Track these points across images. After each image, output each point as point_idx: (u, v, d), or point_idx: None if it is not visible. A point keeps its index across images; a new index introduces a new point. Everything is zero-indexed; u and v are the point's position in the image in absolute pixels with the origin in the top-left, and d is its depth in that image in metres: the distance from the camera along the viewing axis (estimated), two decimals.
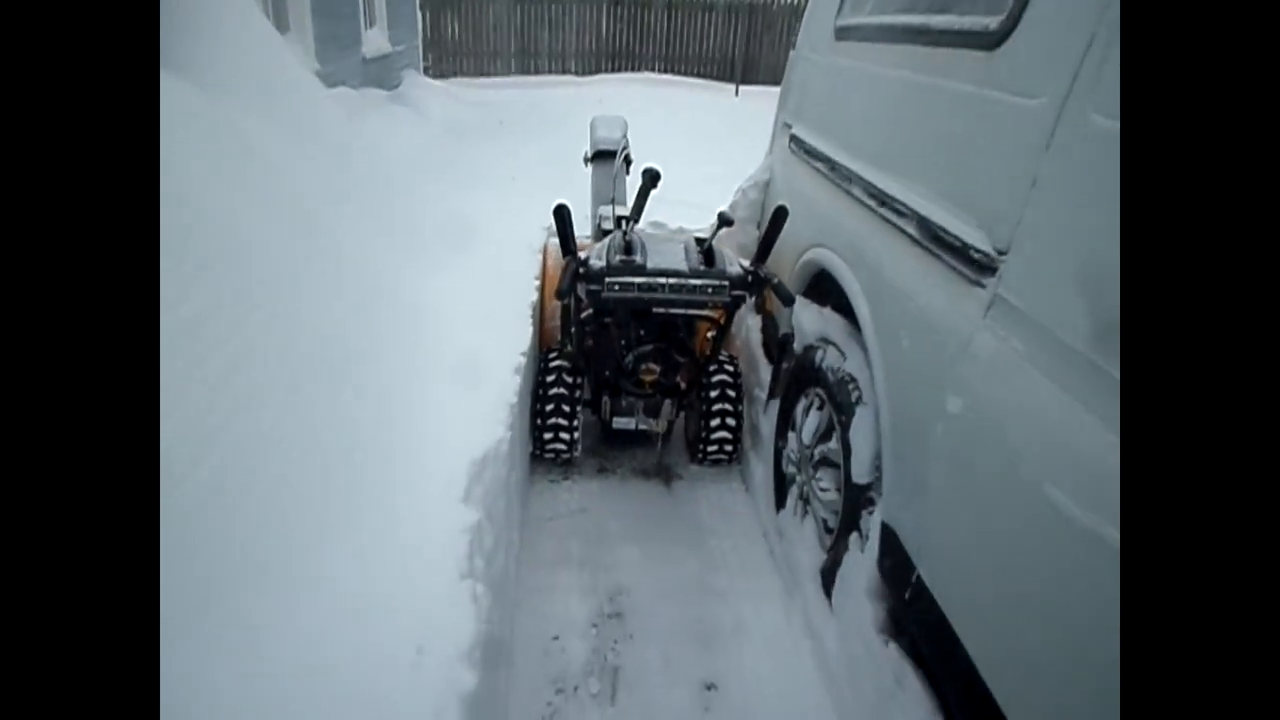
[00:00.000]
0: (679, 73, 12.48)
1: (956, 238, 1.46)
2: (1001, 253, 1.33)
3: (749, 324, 3.16)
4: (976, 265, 1.39)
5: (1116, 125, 1.10)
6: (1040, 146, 1.25)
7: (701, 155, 6.48)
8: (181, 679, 1.11)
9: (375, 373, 2.01)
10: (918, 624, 1.61)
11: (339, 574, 1.43)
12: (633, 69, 12.60)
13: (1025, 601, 1.24)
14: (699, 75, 12.43)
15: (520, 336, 2.58)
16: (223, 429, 1.37)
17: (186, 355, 1.37)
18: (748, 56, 12.32)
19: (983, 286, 1.37)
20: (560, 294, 2.10)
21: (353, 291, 2.16)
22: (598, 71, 12.54)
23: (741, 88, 10.92)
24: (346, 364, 1.89)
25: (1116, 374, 1.05)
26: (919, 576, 1.59)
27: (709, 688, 2.04)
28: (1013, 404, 1.28)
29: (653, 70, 12.53)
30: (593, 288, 2.19)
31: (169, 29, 2.25)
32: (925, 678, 1.62)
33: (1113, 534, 1.03)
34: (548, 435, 2.74)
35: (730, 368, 2.85)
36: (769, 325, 2.99)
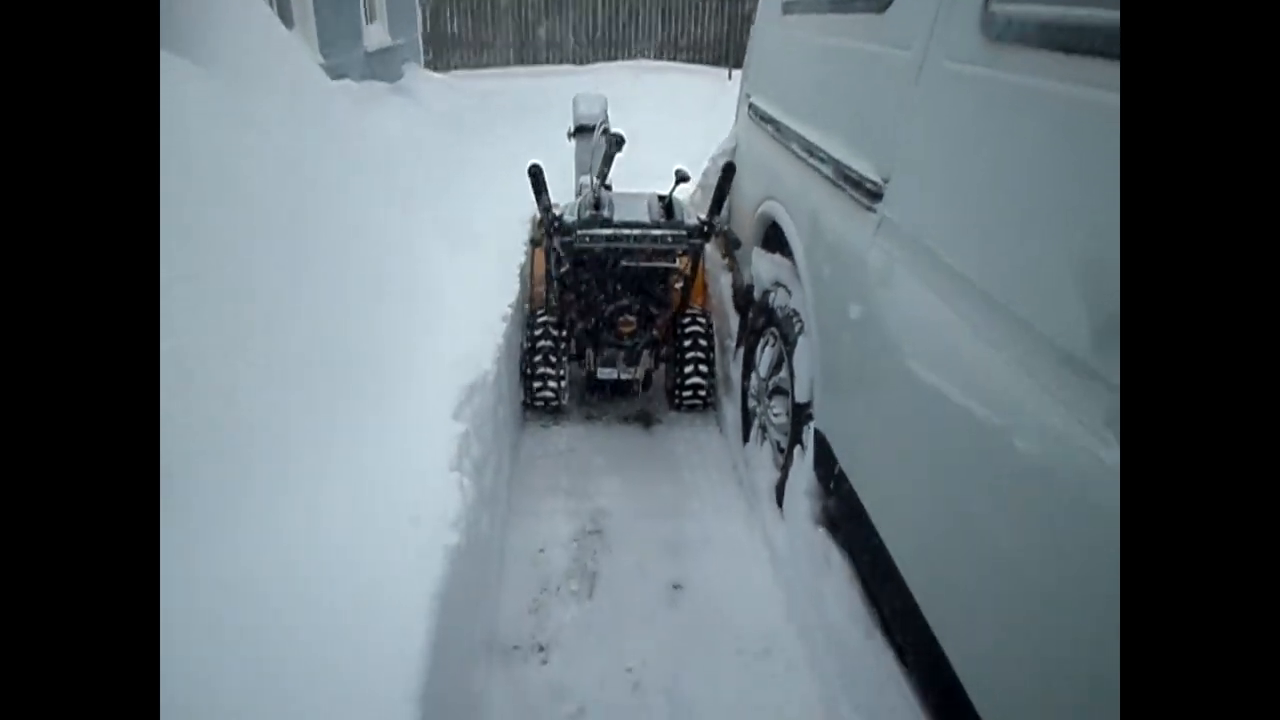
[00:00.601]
0: (674, 59, 12.70)
1: (856, 172, 1.73)
2: (885, 180, 1.60)
3: (721, 281, 3.44)
4: (869, 193, 1.66)
5: (959, 67, 1.37)
6: (911, 88, 1.52)
7: (692, 134, 6.72)
8: (220, 545, 1.41)
9: (375, 318, 2.30)
10: (838, 506, 1.89)
11: (350, 470, 1.72)
12: (629, 56, 12.83)
13: (908, 467, 1.51)
14: (694, 61, 12.64)
15: (508, 291, 2.86)
16: (245, 357, 1.67)
17: (214, 307, 1.66)
18: (740, 41, 12.51)
19: (874, 211, 1.64)
20: (534, 241, 2.38)
21: (357, 252, 2.45)
22: (595, 60, 12.76)
23: (734, 71, 11.12)
24: (348, 314, 2.18)
25: (969, 274, 1.32)
26: (840, 469, 1.87)
27: (676, 587, 2.32)
28: (894, 304, 1.55)
29: (648, 57, 12.75)
30: (565, 239, 2.47)
31: (180, 23, 2.53)
32: (847, 554, 1.90)
33: (968, 402, 1.27)
34: (537, 384, 3.02)
35: (702, 320, 3.12)
36: (737, 279, 3.26)
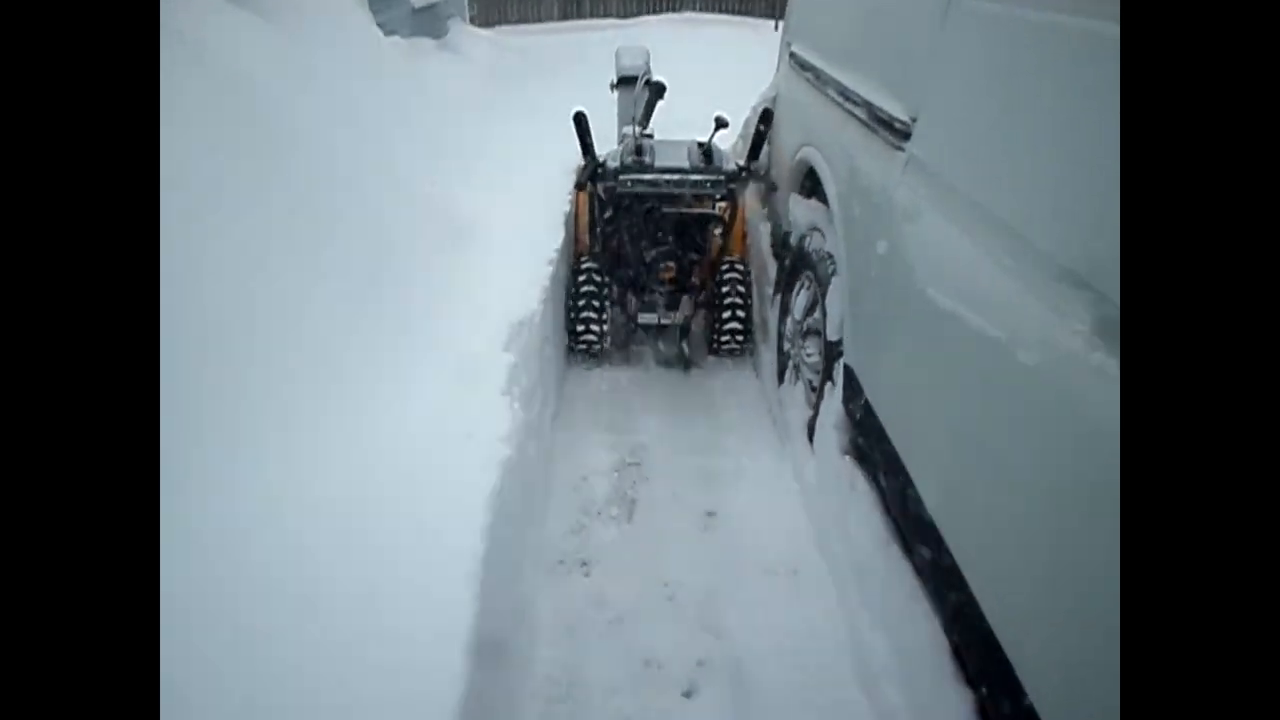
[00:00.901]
0: (721, 11, 12.50)
1: (886, 113, 1.80)
2: (913, 119, 1.67)
3: (761, 230, 3.51)
4: (898, 133, 1.73)
5: (986, 6, 1.43)
6: (938, 28, 1.58)
7: (735, 85, 6.69)
8: (300, 453, 1.58)
9: (429, 258, 2.45)
10: (864, 436, 2.00)
11: (410, 393, 1.89)
12: (674, 9, 12.66)
13: (929, 393, 1.61)
14: (741, 13, 12.42)
15: (554, 236, 2.99)
16: (309, 293, 1.83)
17: (285, 244, 1.82)
18: None
19: (901, 150, 1.72)
20: (578, 185, 2.50)
21: (410, 196, 2.60)
22: (640, 14, 12.64)
23: (781, 23, 10.93)
24: (405, 254, 2.34)
25: (991, 208, 1.39)
26: (866, 400, 1.97)
27: (709, 514, 2.47)
28: (919, 239, 1.63)
29: (694, 9, 12.57)
30: (608, 184, 2.58)
31: None
32: (871, 480, 2.02)
33: (986, 331, 1.34)
34: (580, 328, 3.16)
35: (740, 266, 3.21)
36: (776, 228, 3.34)
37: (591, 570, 2.22)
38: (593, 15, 12.83)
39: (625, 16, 12.55)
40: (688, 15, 12.16)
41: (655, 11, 12.73)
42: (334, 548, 1.38)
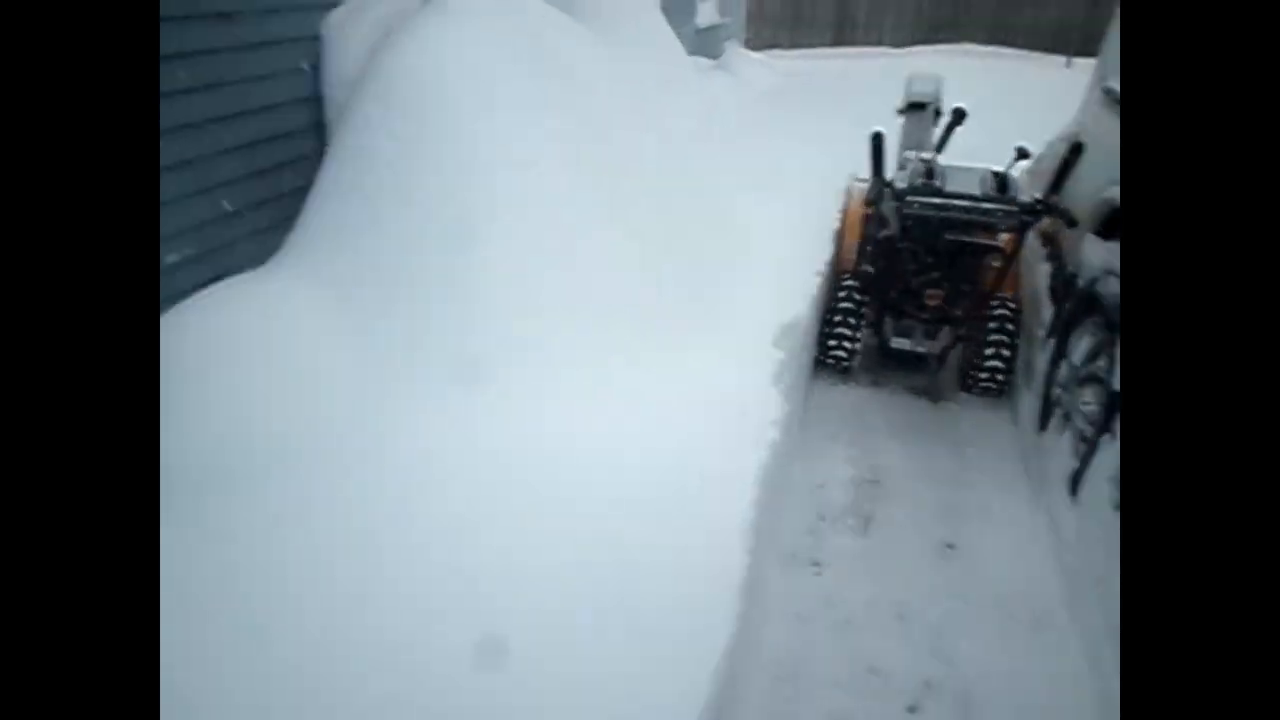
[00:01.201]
0: (1006, 45, 11.82)
1: None
2: None
3: (1039, 269, 3.34)
4: None
5: None
6: None
7: (1020, 125, 6.36)
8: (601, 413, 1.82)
9: (718, 258, 2.65)
10: None
11: (698, 378, 2.08)
12: (954, 41, 12.18)
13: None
14: (1030, 47, 11.67)
15: (821, 251, 3.09)
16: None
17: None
18: (1089, 25, 11.27)
19: None
20: (867, 201, 2.57)
21: (708, 199, 2.83)
22: (914, 44, 12.32)
23: (1076, 60, 10.09)
24: (703, 250, 2.56)
25: None
26: None
27: (948, 546, 2.42)
28: None
29: (975, 42, 12.01)
30: (896, 204, 2.62)
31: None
32: None
33: None
34: (832, 343, 3.20)
35: (1012, 305, 3.09)
36: (1057, 269, 3.16)
37: (823, 571, 2.28)
38: (865, 43, 12.71)
39: (899, 45, 12.30)
40: (967, 47, 11.64)
41: (932, 42, 12.33)
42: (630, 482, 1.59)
